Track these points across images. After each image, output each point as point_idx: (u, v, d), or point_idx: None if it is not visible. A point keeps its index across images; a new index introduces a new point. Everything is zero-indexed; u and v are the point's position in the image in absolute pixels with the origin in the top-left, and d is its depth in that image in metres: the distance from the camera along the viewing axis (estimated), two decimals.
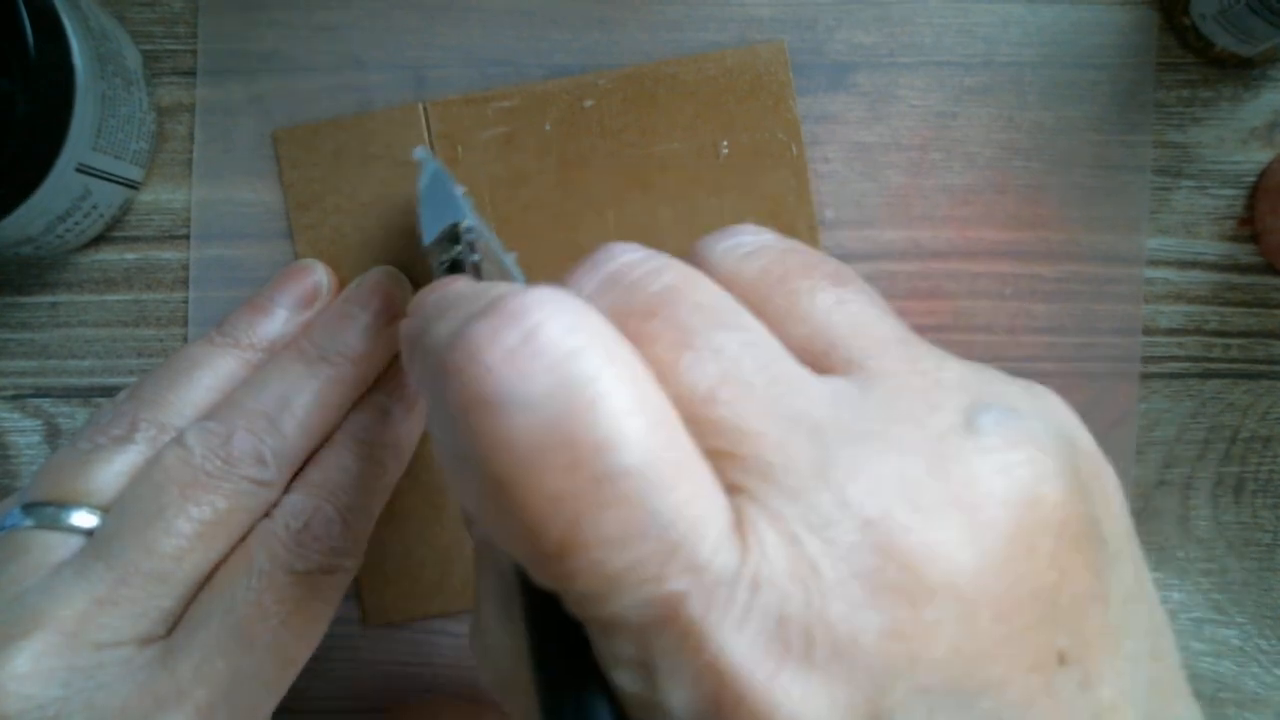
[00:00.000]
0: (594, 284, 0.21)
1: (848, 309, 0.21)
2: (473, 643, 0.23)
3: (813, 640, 0.16)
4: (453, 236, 0.33)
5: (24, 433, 0.41)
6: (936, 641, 0.17)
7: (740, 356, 0.19)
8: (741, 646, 0.16)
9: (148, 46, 0.40)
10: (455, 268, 0.33)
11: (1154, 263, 0.40)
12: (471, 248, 0.33)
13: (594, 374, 0.17)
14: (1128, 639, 0.19)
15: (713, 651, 0.16)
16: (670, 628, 0.16)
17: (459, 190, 0.35)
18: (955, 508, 0.17)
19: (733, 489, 0.18)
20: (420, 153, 0.36)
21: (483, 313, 0.18)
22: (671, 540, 0.17)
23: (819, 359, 0.20)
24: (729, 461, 0.18)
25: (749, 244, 0.23)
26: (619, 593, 0.17)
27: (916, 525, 0.17)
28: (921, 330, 0.21)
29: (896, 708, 0.16)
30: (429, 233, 0.34)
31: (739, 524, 0.17)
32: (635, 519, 0.17)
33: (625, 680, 0.17)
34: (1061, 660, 0.18)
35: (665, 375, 0.19)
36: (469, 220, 0.33)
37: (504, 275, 0.34)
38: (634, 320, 0.19)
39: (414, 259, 0.39)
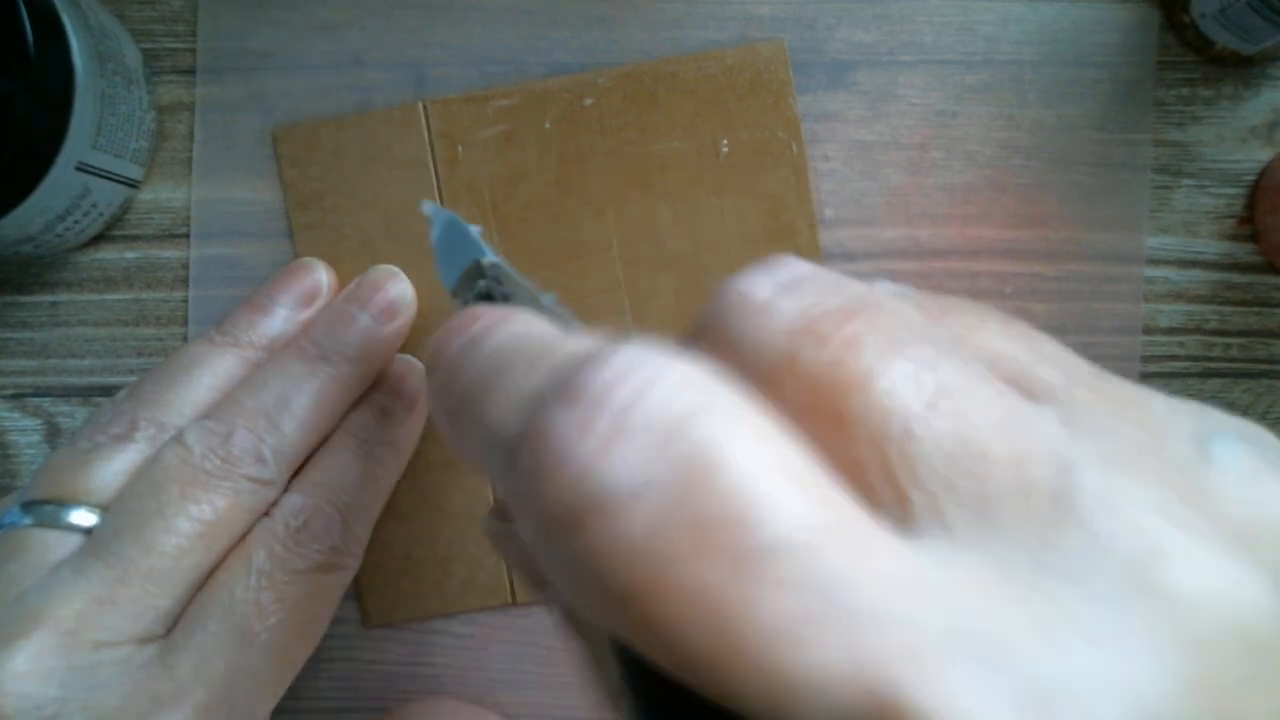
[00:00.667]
0: (773, 285, 0.16)
1: (1018, 336, 0.18)
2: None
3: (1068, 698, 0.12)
4: (475, 274, 0.29)
5: (24, 432, 0.41)
6: (1247, 703, 0.13)
7: (954, 369, 0.15)
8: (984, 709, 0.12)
9: (147, 45, 0.40)
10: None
11: (1154, 261, 0.40)
12: (498, 281, 0.28)
13: (719, 436, 0.13)
14: None
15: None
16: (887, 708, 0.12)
17: (475, 230, 0.31)
18: (1225, 543, 0.14)
19: (937, 523, 0.14)
20: (429, 207, 0.32)
21: (561, 394, 0.14)
22: (852, 608, 0.13)
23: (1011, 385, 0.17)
24: (941, 493, 0.14)
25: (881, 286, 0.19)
26: (804, 691, 0.12)
27: (1191, 562, 0.14)
28: None
29: None
30: (448, 278, 0.30)
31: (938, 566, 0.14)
32: (801, 598, 0.13)
33: None
34: None
35: (869, 385, 0.15)
36: (490, 256, 0.29)
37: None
38: (829, 321, 0.15)
39: (412, 257, 0.39)
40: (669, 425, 0.13)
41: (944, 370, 0.15)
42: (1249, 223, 0.40)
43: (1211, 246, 0.40)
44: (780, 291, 0.16)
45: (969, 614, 0.13)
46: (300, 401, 0.35)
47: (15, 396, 0.41)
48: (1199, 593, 0.13)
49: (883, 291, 0.18)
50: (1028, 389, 0.17)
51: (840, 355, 0.15)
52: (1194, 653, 0.13)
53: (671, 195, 0.39)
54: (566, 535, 0.13)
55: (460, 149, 0.40)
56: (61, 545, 0.31)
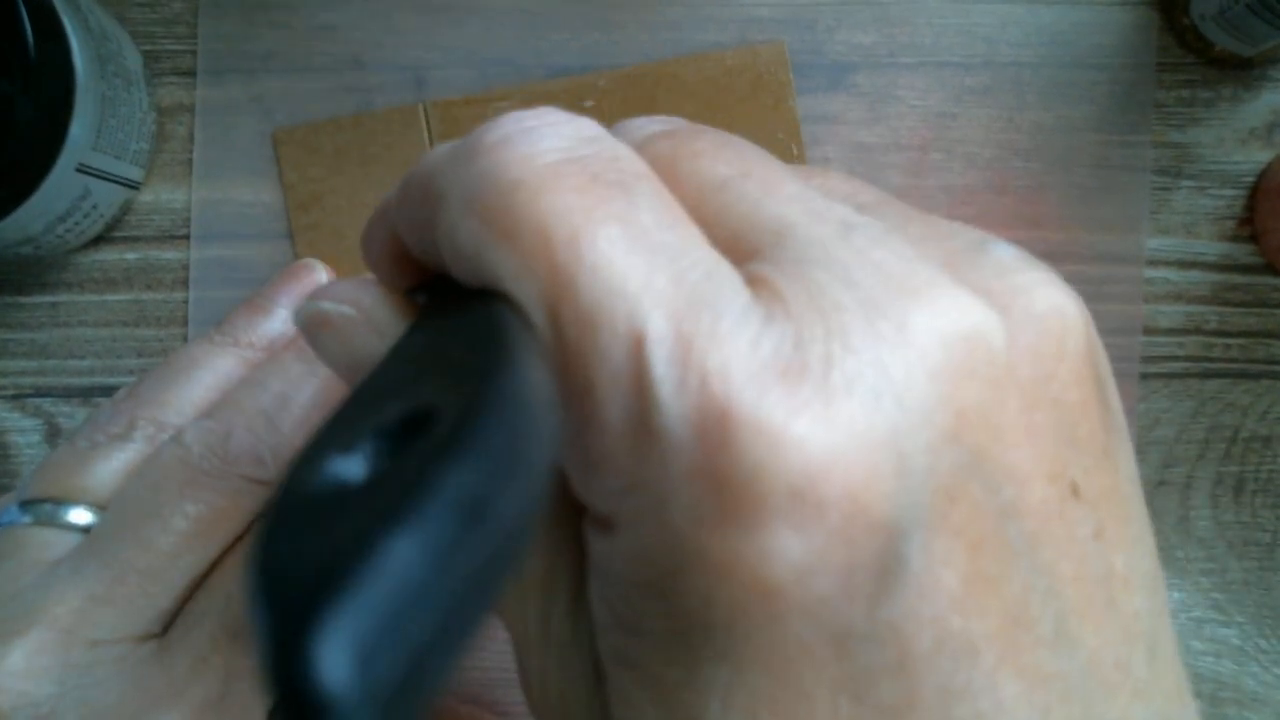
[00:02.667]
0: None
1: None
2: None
3: (831, 365, 0.15)
4: None
5: (24, 432, 0.41)
6: (968, 392, 0.16)
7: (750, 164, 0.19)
8: (748, 363, 0.15)
9: (148, 47, 0.40)
10: None
11: (1154, 263, 0.40)
12: None
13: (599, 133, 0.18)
14: (1136, 527, 0.18)
15: (714, 365, 0.15)
16: (674, 342, 0.15)
17: None
18: (987, 292, 0.17)
19: (748, 268, 0.17)
20: None
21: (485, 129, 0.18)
22: (681, 266, 0.16)
23: None
24: (745, 243, 0.17)
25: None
26: (621, 300, 0.15)
27: (948, 295, 0.16)
28: None
29: (919, 452, 0.15)
30: None
31: (753, 282, 0.16)
32: (643, 235, 0.16)
33: (616, 404, 0.15)
34: (1075, 492, 0.17)
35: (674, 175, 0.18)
36: None
37: None
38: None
39: None
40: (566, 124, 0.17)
41: (742, 162, 0.18)
42: (1249, 224, 0.40)
43: (1211, 248, 0.40)
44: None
45: (764, 301, 0.16)
46: (300, 402, 0.35)
47: (15, 397, 0.41)
48: (950, 318, 0.16)
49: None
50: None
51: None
52: (939, 377, 0.15)
53: None
54: (473, 157, 0.17)
55: None
56: (59, 543, 0.31)
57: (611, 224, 0.16)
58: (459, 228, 0.17)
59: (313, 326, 0.21)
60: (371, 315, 0.20)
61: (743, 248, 0.17)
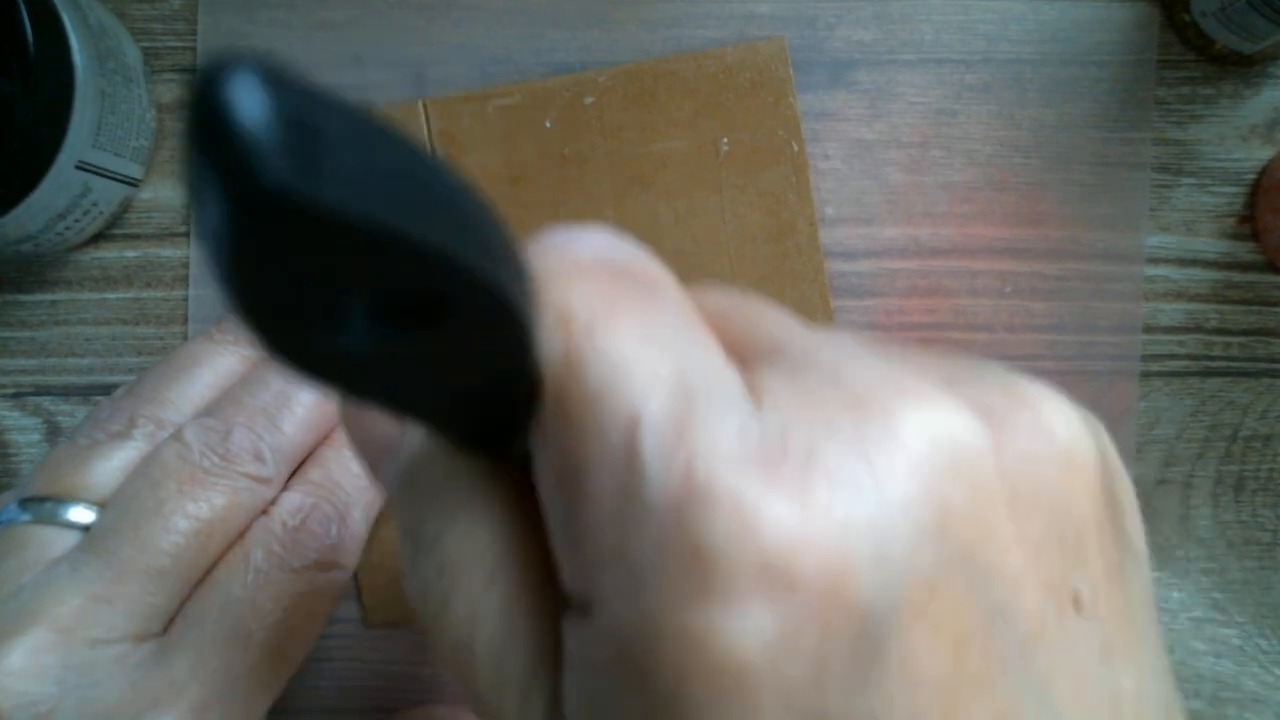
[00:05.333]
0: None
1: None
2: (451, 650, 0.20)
3: (814, 453, 0.15)
4: None
5: (24, 430, 0.41)
6: (955, 491, 0.16)
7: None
8: (733, 446, 0.15)
9: (148, 43, 0.40)
10: None
11: (1154, 260, 0.40)
12: None
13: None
14: (1148, 652, 0.18)
15: (701, 445, 0.15)
16: (668, 424, 0.15)
17: None
18: (986, 405, 0.17)
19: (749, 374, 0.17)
20: None
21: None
22: (688, 361, 0.16)
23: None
24: (747, 352, 0.18)
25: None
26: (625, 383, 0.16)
27: (938, 400, 0.16)
28: (921, 328, 0.21)
29: (898, 541, 0.15)
30: None
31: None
32: (658, 331, 0.16)
33: (606, 479, 0.15)
34: (1077, 604, 0.17)
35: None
36: None
37: None
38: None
39: None
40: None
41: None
42: (1249, 221, 0.40)
43: (1212, 245, 0.40)
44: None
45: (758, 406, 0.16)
46: (300, 400, 0.35)
47: (15, 395, 0.41)
48: (938, 425, 0.16)
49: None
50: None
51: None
52: (923, 474, 0.15)
53: (672, 194, 0.39)
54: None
55: (460, 148, 0.40)
56: (59, 542, 0.31)
57: (629, 315, 0.16)
58: None
59: (347, 416, 0.22)
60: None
61: (745, 356, 0.17)
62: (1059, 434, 0.17)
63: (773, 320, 0.19)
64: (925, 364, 0.18)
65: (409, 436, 0.20)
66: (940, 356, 0.19)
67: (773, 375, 0.17)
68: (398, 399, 0.16)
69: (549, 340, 0.16)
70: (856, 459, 0.15)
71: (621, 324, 0.16)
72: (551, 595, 0.18)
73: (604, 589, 0.16)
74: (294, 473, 0.35)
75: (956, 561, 0.15)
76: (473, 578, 0.18)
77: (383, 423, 0.21)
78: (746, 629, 0.14)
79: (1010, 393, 0.18)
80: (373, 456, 0.22)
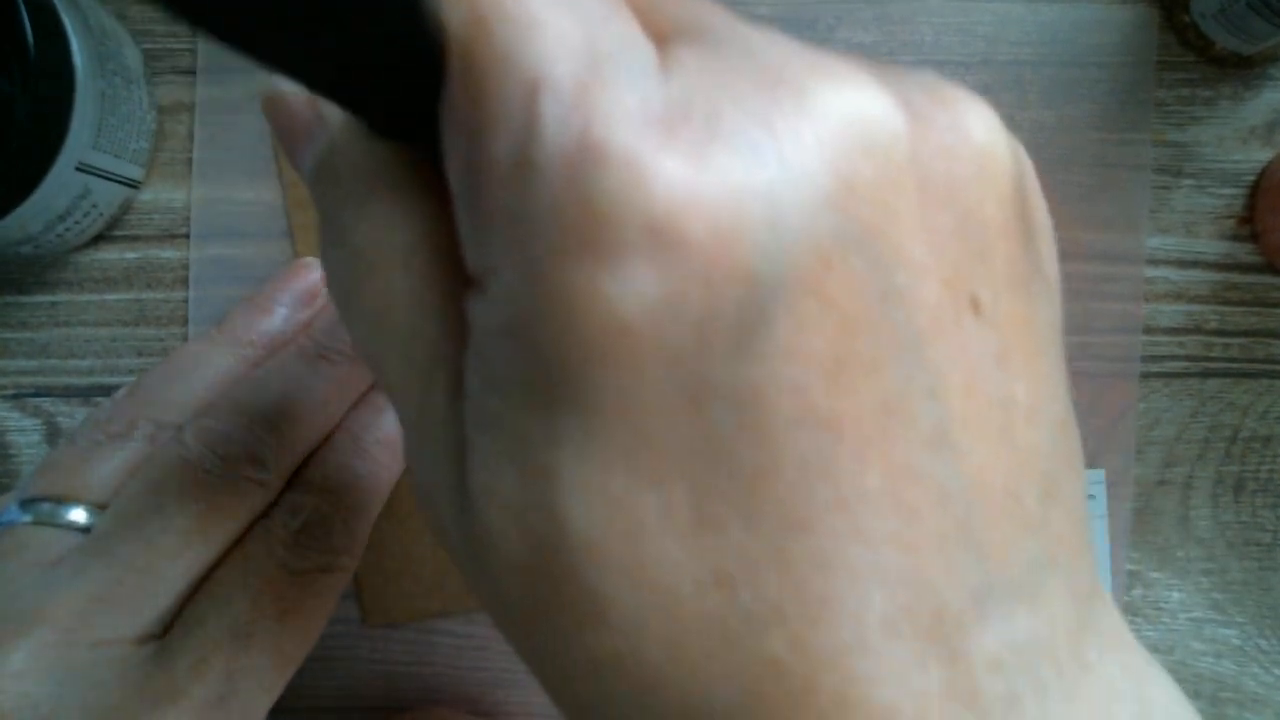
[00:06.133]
0: None
1: None
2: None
3: (717, 118, 0.14)
4: None
5: (24, 432, 0.41)
6: (862, 168, 0.15)
7: None
8: (634, 109, 0.14)
9: (148, 45, 0.40)
10: None
11: (1154, 261, 0.40)
12: None
13: None
14: (1046, 365, 0.18)
15: (600, 108, 0.14)
16: (570, 88, 0.15)
17: None
18: (908, 100, 0.16)
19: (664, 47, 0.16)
20: None
21: None
22: (599, 29, 0.15)
23: None
24: (667, 28, 0.17)
25: None
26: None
27: (860, 81, 0.16)
28: None
29: (795, 209, 0.14)
30: None
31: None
32: None
33: (504, 142, 0.15)
34: (976, 308, 0.17)
35: None
36: None
37: None
38: None
39: None
40: None
41: None
42: (1249, 223, 0.40)
43: (1211, 246, 0.40)
44: None
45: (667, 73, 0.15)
46: (300, 401, 0.34)
47: (15, 397, 0.41)
48: (853, 103, 0.15)
49: None
50: None
51: None
52: (830, 148, 0.15)
53: None
54: None
55: None
56: (59, 543, 0.31)
57: None
58: None
59: (269, 106, 0.21)
60: (316, 101, 0.20)
61: (665, 32, 0.17)
62: (976, 136, 0.17)
63: (700, 3, 0.18)
64: (852, 59, 0.17)
65: (328, 123, 0.20)
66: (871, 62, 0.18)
67: (688, 50, 0.16)
68: (295, 61, 0.16)
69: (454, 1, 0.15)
70: (760, 127, 0.15)
71: None
72: (460, 281, 0.17)
73: (495, 254, 0.15)
74: (294, 474, 0.35)
75: (856, 239, 0.15)
76: (385, 265, 0.18)
77: (302, 106, 0.20)
78: (629, 289, 0.14)
79: (935, 92, 0.17)
80: (290, 141, 0.21)
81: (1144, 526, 0.40)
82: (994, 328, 0.17)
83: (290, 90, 0.20)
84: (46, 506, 0.32)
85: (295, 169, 0.22)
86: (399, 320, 0.18)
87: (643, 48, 0.16)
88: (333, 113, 0.20)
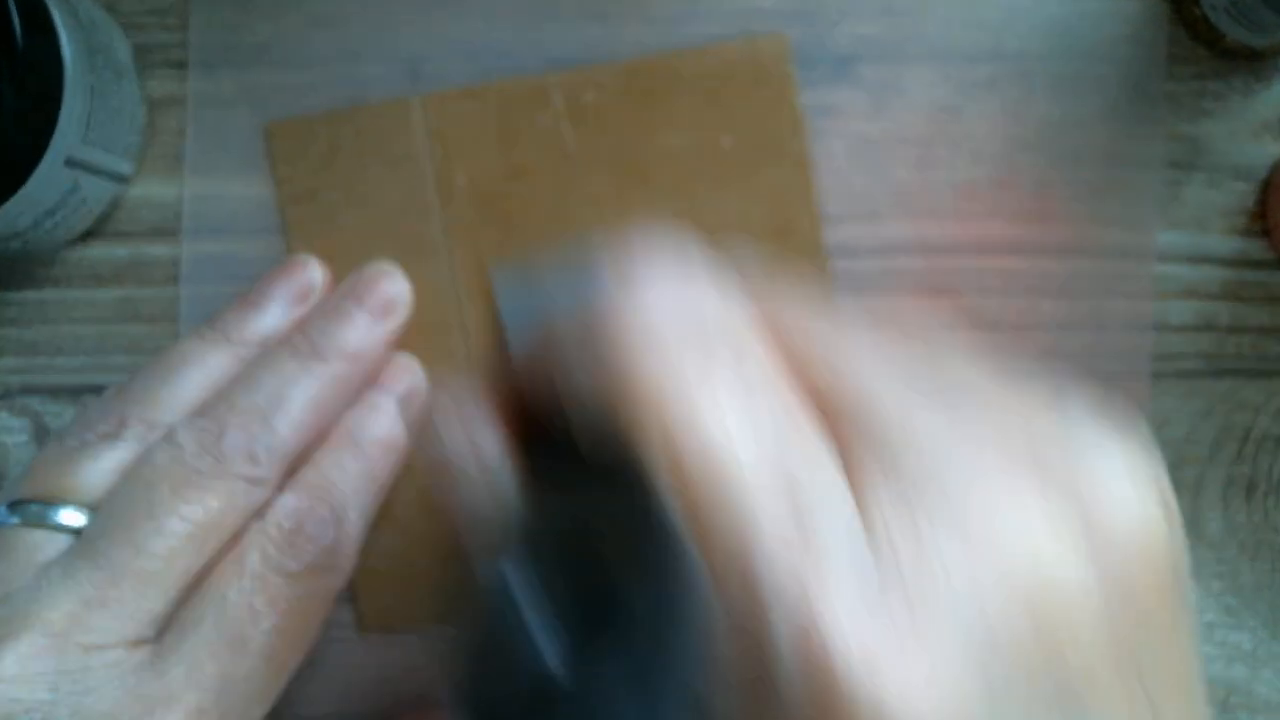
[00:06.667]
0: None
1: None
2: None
3: (930, 607, 0.16)
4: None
5: (11, 431, 0.40)
6: (1060, 633, 0.17)
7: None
8: (851, 605, 0.16)
9: (139, 38, 0.40)
10: None
11: (1164, 258, 0.40)
12: None
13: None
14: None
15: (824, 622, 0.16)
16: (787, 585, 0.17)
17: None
18: (1076, 497, 0.18)
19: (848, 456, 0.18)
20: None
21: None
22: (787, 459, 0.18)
23: None
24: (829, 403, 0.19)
25: None
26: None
27: (1036, 522, 0.18)
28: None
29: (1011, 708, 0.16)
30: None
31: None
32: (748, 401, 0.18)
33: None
34: (1140, 677, 0.18)
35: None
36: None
37: None
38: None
39: (408, 254, 0.39)
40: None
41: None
42: (1261, 218, 0.40)
43: (1223, 242, 0.40)
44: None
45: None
46: (294, 399, 0.34)
47: (3, 395, 0.40)
48: (1034, 559, 0.18)
49: None
50: None
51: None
52: (1033, 612, 0.17)
53: (672, 191, 0.39)
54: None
55: (457, 144, 0.39)
56: (49, 545, 0.31)
57: (718, 389, 0.18)
58: (580, 381, 0.19)
59: (438, 470, 0.22)
60: (483, 456, 0.22)
61: (830, 412, 0.19)
62: (1139, 533, 0.19)
63: (852, 362, 0.20)
64: (1009, 429, 0.19)
65: (489, 487, 0.22)
66: (1014, 403, 0.20)
67: (865, 455, 0.18)
68: None
69: (646, 425, 0.18)
70: (972, 605, 0.17)
71: (711, 399, 0.18)
72: None
73: None
74: (289, 474, 0.34)
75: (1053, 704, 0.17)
76: None
77: (465, 478, 0.22)
78: None
79: (1089, 469, 0.19)
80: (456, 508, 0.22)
81: None
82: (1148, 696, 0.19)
83: (455, 446, 0.22)
84: (36, 508, 0.31)
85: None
86: None
87: (829, 471, 0.18)
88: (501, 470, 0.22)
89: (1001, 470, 0.18)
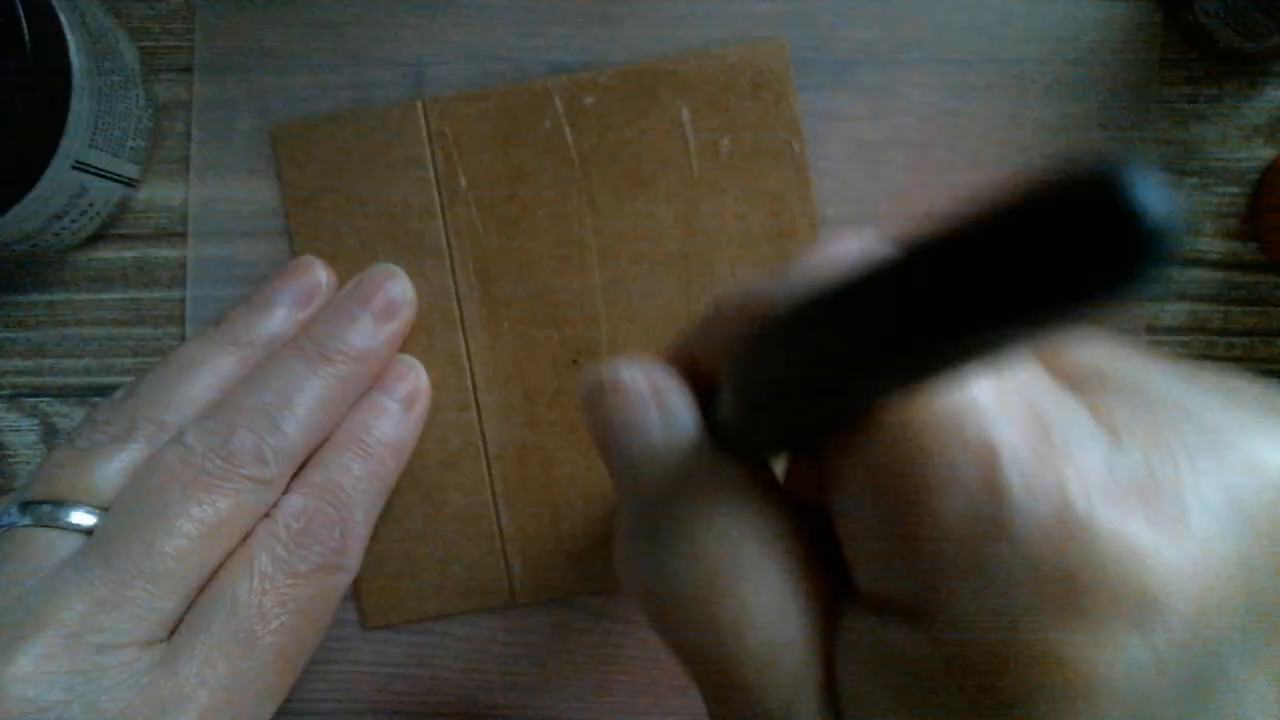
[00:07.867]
0: None
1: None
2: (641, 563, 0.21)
3: (1182, 488, 0.16)
4: None
5: (20, 432, 0.41)
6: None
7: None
8: (1103, 479, 0.16)
9: (145, 43, 0.40)
10: None
11: None
12: None
13: None
14: None
15: (1071, 478, 0.16)
16: (1028, 455, 0.16)
17: None
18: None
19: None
20: None
21: None
22: (1029, 390, 0.17)
23: None
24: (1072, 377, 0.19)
25: None
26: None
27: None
28: None
29: (1267, 576, 0.16)
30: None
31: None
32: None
33: (959, 503, 0.17)
34: None
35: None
36: None
37: None
38: None
39: (411, 256, 0.39)
40: None
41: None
42: (1252, 221, 0.40)
43: (1215, 245, 0.40)
44: None
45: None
46: (301, 401, 0.34)
47: (11, 396, 0.40)
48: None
49: None
50: None
51: None
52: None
53: (672, 195, 0.39)
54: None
55: (459, 148, 0.39)
56: (62, 546, 0.31)
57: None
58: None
59: (601, 391, 0.22)
60: (662, 397, 0.22)
61: (1070, 380, 0.19)
62: None
63: (1103, 347, 0.20)
64: (1234, 389, 0.19)
65: (664, 420, 0.21)
66: (1226, 380, 0.20)
67: (1115, 404, 0.18)
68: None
69: None
70: (1223, 494, 0.16)
71: None
72: (814, 591, 0.19)
73: (950, 597, 0.17)
74: (295, 475, 0.35)
75: None
76: (739, 574, 0.19)
77: (644, 397, 0.22)
78: (1116, 650, 0.15)
79: None
80: (618, 430, 0.22)
81: None
82: None
83: (630, 377, 0.22)
84: (47, 508, 0.31)
85: (608, 449, 0.22)
86: (762, 632, 0.19)
87: (1076, 407, 0.18)
88: (679, 409, 0.21)
89: (1246, 409, 0.18)
